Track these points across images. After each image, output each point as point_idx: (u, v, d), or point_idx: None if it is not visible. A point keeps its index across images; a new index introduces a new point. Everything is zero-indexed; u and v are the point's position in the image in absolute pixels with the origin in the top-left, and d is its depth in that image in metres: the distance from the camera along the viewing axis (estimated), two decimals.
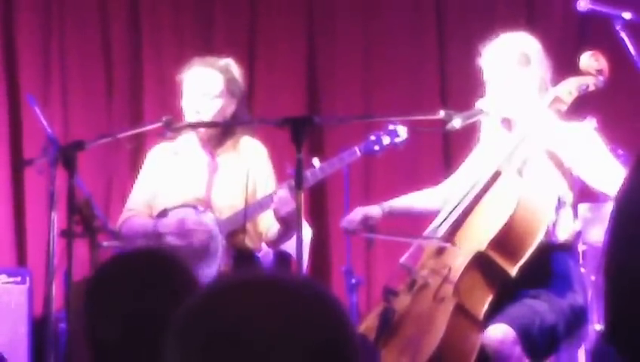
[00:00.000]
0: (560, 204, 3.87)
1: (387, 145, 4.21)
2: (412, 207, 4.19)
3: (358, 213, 4.10)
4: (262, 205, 4.28)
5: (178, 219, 4.32)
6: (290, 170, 4.15)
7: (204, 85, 4.40)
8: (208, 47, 5.78)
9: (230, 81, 4.43)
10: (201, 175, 4.44)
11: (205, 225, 4.30)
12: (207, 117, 4.37)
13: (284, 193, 4.18)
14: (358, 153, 4.23)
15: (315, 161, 4.24)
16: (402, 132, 4.21)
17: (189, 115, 4.39)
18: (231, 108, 4.44)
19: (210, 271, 4.21)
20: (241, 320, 1.28)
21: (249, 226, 4.37)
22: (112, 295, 2.13)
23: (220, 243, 4.30)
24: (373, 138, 4.23)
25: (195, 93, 4.39)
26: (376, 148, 4.22)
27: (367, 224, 4.08)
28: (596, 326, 4.63)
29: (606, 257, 1.50)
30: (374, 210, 4.10)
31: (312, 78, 6.13)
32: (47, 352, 3.87)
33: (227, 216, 4.32)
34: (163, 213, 4.38)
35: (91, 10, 6.01)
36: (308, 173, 4.16)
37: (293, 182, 4.13)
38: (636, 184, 1.57)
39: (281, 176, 4.40)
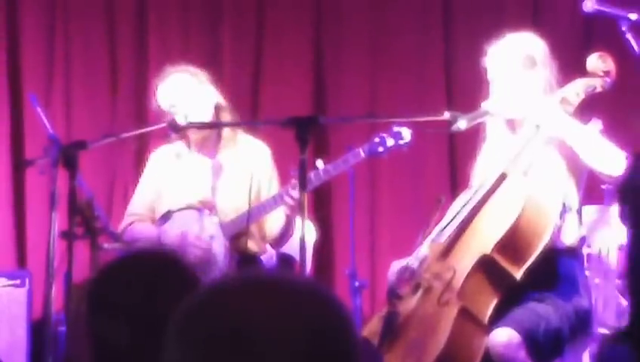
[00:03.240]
0: (565, 209, 3.85)
1: (391, 147, 4.20)
2: None
3: (394, 268, 3.98)
4: (265, 207, 4.27)
5: (180, 233, 4.30)
6: (294, 172, 4.13)
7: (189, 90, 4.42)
8: (215, 48, 5.77)
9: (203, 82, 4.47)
10: (205, 177, 4.42)
11: (205, 240, 4.28)
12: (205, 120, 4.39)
13: (296, 193, 4.15)
14: (362, 155, 4.21)
15: (319, 163, 4.22)
16: (406, 134, 4.20)
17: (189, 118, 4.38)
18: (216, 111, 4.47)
19: (214, 272, 4.19)
20: (242, 319, 1.27)
21: (253, 229, 4.35)
22: (117, 297, 2.11)
23: (223, 248, 4.27)
24: (377, 140, 4.21)
25: (179, 99, 4.39)
26: (381, 149, 4.21)
27: (404, 275, 3.96)
28: (601, 329, 4.60)
29: (628, 258, 1.48)
30: (410, 261, 3.99)
31: (319, 78, 6.11)
32: (46, 355, 3.85)
33: (231, 219, 4.30)
34: (167, 215, 4.36)
35: (96, 9, 5.99)
36: (312, 175, 4.14)
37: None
38: None
39: (285, 178, 4.38)
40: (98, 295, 2.16)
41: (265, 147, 4.49)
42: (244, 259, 4.32)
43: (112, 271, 2.20)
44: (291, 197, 4.16)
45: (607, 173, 3.76)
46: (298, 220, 3.63)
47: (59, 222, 3.81)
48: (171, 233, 4.32)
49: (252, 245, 4.37)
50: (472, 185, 4.09)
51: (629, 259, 1.45)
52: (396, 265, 3.99)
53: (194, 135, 4.45)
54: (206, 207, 4.36)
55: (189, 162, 4.47)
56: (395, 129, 4.21)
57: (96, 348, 2.13)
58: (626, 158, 3.77)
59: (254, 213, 4.26)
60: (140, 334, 2.06)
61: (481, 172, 4.04)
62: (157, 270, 2.15)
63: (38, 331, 4.82)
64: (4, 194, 5.76)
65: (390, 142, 4.20)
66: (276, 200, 4.23)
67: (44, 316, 4.14)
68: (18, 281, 5.08)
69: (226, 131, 4.46)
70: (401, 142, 4.21)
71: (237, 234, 4.31)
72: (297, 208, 4.12)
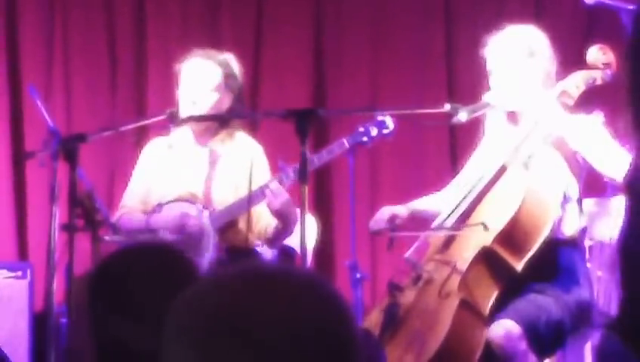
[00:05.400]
0: (566, 199, 3.85)
1: (375, 136, 4.21)
2: (431, 210, 4.14)
3: (384, 213, 4.05)
4: (252, 198, 4.24)
5: (180, 214, 4.29)
6: (281, 163, 4.14)
7: (203, 76, 4.38)
8: (214, 39, 5.76)
9: (228, 75, 4.43)
10: (198, 167, 4.42)
11: (198, 217, 4.27)
12: (203, 108, 4.36)
13: (275, 186, 4.16)
14: (347, 145, 4.21)
15: None
16: (390, 123, 4.20)
17: (185, 105, 4.37)
18: (226, 103, 4.43)
19: (202, 261, 4.18)
20: (240, 310, 1.27)
21: (240, 222, 4.33)
22: (117, 291, 2.11)
23: (212, 236, 4.26)
24: (361, 129, 4.22)
25: (192, 83, 4.37)
26: (365, 139, 4.21)
27: (393, 223, 4.03)
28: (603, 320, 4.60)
29: (621, 246, 1.48)
30: (401, 210, 4.07)
31: (319, 70, 6.11)
32: (48, 347, 3.85)
33: (219, 210, 4.29)
34: (157, 209, 4.36)
35: (95, 1, 5.98)
36: (297, 166, 4.13)
37: (283, 175, 4.13)
38: None
39: (274, 170, 4.38)
40: (98, 289, 2.16)
41: (257, 144, 4.50)
42: (233, 250, 4.31)
43: (112, 265, 2.20)
44: (270, 190, 4.16)
45: (609, 175, 3.74)
46: (303, 219, 3.61)
47: (59, 214, 3.81)
48: (162, 217, 4.32)
49: (240, 238, 4.35)
50: (465, 175, 4.09)
51: (621, 252, 1.45)
52: (386, 211, 4.02)
53: (195, 125, 4.45)
54: (195, 199, 4.35)
55: (181, 153, 4.47)
56: (379, 118, 4.21)
57: (98, 342, 2.13)
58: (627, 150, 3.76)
59: (243, 205, 4.25)
60: (141, 327, 2.06)
61: (481, 164, 4.04)
62: (157, 262, 2.15)
63: (40, 323, 4.82)
64: (4, 186, 5.76)
65: (374, 131, 4.21)
66: (263, 192, 4.21)
67: (45, 308, 4.14)
68: (19, 273, 5.08)
69: (225, 124, 4.46)
70: (385, 131, 4.21)
71: (225, 225, 4.30)
72: (281, 201, 4.13)
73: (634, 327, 1.48)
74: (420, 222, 4.21)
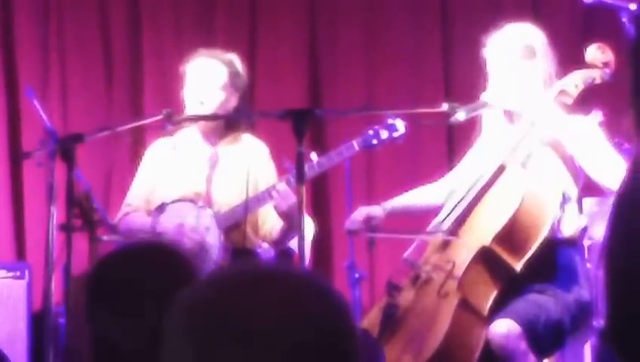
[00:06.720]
0: (565, 199, 3.85)
1: (385, 139, 4.19)
2: (414, 205, 4.15)
3: (360, 213, 4.06)
4: (259, 200, 4.24)
5: (177, 224, 4.28)
6: (288, 164, 4.13)
7: (209, 76, 4.37)
8: (209, 39, 5.75)
9: (234, 74, 4.42)
10: (201, 168, 4.41)
11: (200, 232, 4.26)
12: (211, 108, 4.36)
13: (283, 187, 4.15)
14: (356, 147, 4.20)
15: (313, 155, 4.21)
16: (401, 126, 4.18)
17: (192, 106, 4.36)
18: (233, 103, 4.42)
19: (205, 268, 4.17)
20: (241, 312, 1.28)
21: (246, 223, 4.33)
22: (116, 291, 2.11)
23: (217, 240, 4.25)
24: (371, 132, 4.20)
25: (199, 83, 4.37)
26: (375, 142, 4.19)
27: (369, 224, 4.04)
28: (602, 321, 4.59)
29: (605, 253, 1.48)
30: (376, 210, 4.07)
31: (314, 69, 6.10)
32: (46, 347, 3.85)
33: (225, 211, 4.28)
34: (161, 208, 4.35)
35: (90, 1, 5.98)
36: (305, 168, 4.13)
37: (290, 177, 4.12)
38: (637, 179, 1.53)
39: (280, 171, 4.37)
40: (96, 289, 2.15)
41: (264, 145, 4.49)
42: (238, 251, 4.30)
43: (110, 265, 2.19)
44: (277, 191, 4.15)
45: (603, 183, 3.74)
46: (305, 219, 3.61)
47: (57, 214, 3.81)
48: (167, 223, 4.31)
49: (245, 239, 4.34)
50: (461, 173, 4.09)
51: (606, 260, 1.44)
52: (362, 211, 4.02)
53: (201, 125, 4.44)
54: (200, 199, 4.34)
55: (185, 153, 4.47)
56: (389, 121, 4.19)
57: (96, 342, 2.13)
58: (626, 149, 3.76)
59: (248, 206, 4.24)
60: (139, 327, 2.06)
61: (478, 163, 4.03)
62: (155, 262, 2.15)
63: (38, 323, 4.81)
64: (2, 186, 5.74)
65: (384, 134, 4.19)
66: (270, 193, 4.21)
67: (43, 308, 4.14)
68: (17, 273, 5.07)
69: (233, 125, 4.45)
70: (395, 134, 4.20)
71: (231, 226, 4.29)
72: (288, 203, 4.12)
73: (618, 333, 1.47)
74: (409, 217, 4.22)
